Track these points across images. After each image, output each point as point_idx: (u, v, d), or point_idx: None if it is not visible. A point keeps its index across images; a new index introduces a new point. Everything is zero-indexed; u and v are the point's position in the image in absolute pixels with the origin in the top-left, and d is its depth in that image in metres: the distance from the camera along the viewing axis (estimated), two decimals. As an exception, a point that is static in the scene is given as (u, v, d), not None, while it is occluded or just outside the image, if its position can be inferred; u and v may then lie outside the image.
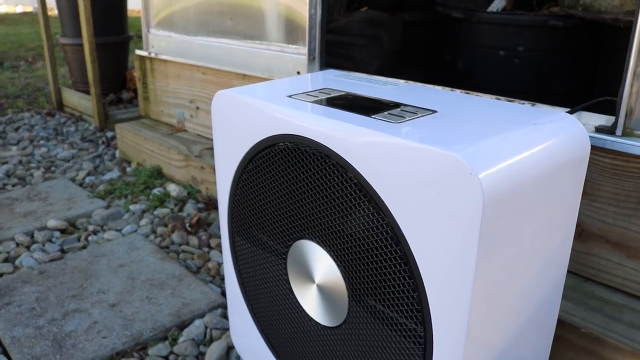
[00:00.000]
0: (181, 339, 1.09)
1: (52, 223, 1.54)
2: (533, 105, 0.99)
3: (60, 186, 1.83)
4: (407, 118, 0.66)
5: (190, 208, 1.63)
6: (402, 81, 1.00)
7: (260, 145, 0.77)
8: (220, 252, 1.41)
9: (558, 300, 0.77)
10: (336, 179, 0.66)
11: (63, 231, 1.54)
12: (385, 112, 0.69)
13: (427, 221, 0.57)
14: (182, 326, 1.12)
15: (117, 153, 2.15)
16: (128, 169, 1.98)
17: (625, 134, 0.90)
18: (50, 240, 1.49)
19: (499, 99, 1.03)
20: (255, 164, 0.79)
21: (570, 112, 0.92)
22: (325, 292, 0.74)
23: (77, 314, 1.15)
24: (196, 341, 1.09)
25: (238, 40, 1.65)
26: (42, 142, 2.33)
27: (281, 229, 0.78)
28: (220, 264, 1.36)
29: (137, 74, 2.16)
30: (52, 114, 2.77)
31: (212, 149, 1.78)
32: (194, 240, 1.47)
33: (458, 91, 1.05)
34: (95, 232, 1.53)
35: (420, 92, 0.82)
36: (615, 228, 0.93)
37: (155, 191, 1.75)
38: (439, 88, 1.07)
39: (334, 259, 0.70)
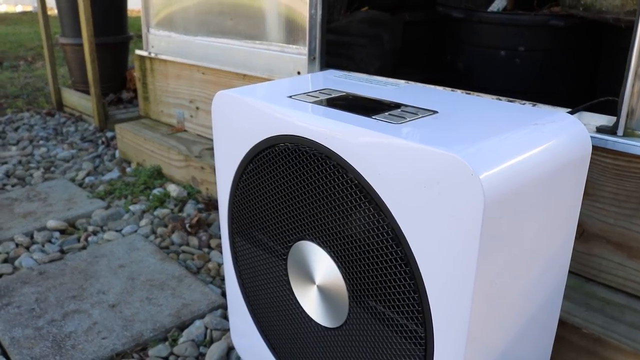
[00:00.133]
0: (181, 340, 1.08)
1: (51, 223, 1.54)
2: (534, 105, 0.99)
3: (59, 186, 1.83)
4: (408, 119, 0.66)
5: (190, 208, 1.63)
6: (402, 81, 1.00)
7: (260, 146, 0.76)
8: (221, 252, 1.41)
9: (559, 301, 0.76)
10: (336, 180, 0.66)
11: (63, 232, 1.54)
12: (386, 113, 0.68)
13: (428, 222, 0.57)
14: (182, 327, 1.12)
15: (117, 153, 2.15)
16: (128, 169, 1.98)
17: (627, 134, 0.89)
18: (49, 241, 1.48)
19: (500, 99, 1.03)
20: (255, 165, 0.79)
21: (572, 113, 0.91)
22: (325, 293, 0.74)
23: (77, 315, 1.15)
24: (196, 342, 1.08)
25: (238, 40, 1.65)
26: (41, 142, 2.33)
27: (281, 229, 0.78)
28: (220, 265, 1.35)
29: (137, 74, 2.16)
30: (52, 114, 2.76)
31: (212, 149, 1.78)
32: (194, 240, 1.47)
33: (459, 91, 1.05)
34: (95, 233, 1.52)
35: (421, 92, 0.81)
36: (617, 228, 0.93)
37: (155, 191, 1.75)
38: (439, 88, 1.07)
39: (335, 260, 0.70)
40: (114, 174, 1.94)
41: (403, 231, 0.60)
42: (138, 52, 2.09)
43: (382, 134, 0.60)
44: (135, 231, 1.53)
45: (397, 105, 0.72)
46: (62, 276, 1.29)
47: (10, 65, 4.04)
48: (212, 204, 1.63)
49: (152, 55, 2.02)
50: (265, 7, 1.53)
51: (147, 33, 2.03)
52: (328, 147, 0.66)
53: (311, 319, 0.78)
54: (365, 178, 0.62)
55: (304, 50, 1.43)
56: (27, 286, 1.25)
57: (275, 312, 0.86)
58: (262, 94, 0.80)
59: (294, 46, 1.46)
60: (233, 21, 1.65)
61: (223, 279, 1.30)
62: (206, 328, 1.11)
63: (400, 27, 1.92)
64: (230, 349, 1.06)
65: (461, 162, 0.53)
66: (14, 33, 5.64)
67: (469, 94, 1.01)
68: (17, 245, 1.46)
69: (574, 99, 1.56)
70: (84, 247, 1.44)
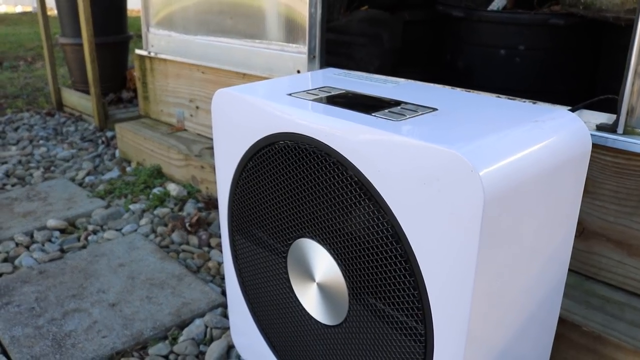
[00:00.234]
0: (181, 339, 1.08)
1: (51, 223, 1.54)
2: (534, 103, 0.98)
3: (59, 186, 1.83)
4: (408, 116, 0.66)
5: (190, 207, 1.63)
6: (402, 79, 1.00)
7: (260, 144, 0.76)
8: (221, 251, 1.41)
9: (559, 299, 0.76)
10: (336, 177, 0.66)
11: (63, 231, 1.54)
12: (386, 110, 0.68)
13: (428, 219, 0.57)
14: (182, 325, 1.12)
15: (117, 153, 2.15)
16: (128, 169, 1.98)
17: (627, 132, 0.89)
18: (49, 240, 1.48)
19: (500, 97, 1.02)
20: (255, 163, 0.79)
21: (572, 110, 0.91)
22: (325, 291, 0.74)
23: (77, 314, 1.15)
24: (196, 340, 1.08)
25: (238, 39, 1.65)
26: (41, 141, 2.33)
27: (281, 227, 0.78)
28: (220, 263, 1.35)
29: (136, 73, 2.16)
30: (52, 114, 2.76)
31: (212, 148, 1.78)
32: (194, 239, 1.47)
33: (458, 89, 1.05)
34: (95, 232, 1.52)
35: (421, 90, 0.81)
36: (617, 226, 0.93)
37: (155, 190, 1.75)
38: (439, 86, 1.07)
39: (334, 258, 0.70)
40: (114, 173, 1.94)
41: (403, 228, 0.60)
42: (138, 51, 2.09)
43: (382, 131, 0.60)
44: (135, 230, 1.53)
45: (397, 103, 0.72)
46: (62, 275, 1.29)
47: (10, 66, 4.04)
48: (212, 203, 1.63)
49: (152, 54, 2.02)
50: (265, 6, 1.53)
51: (146, 32, 2.03)
52: (328, 144, 0.66)
53: (311, 316, 0.78)
54: (365, 175, 0.62)
55: (304, 49, 1.43)
56: (27, 285, 1.25)
57: (275, 310, 0.86)
58: (262, 92, 0.80)
59: (294, 45, 1.46)
60: (233, 20, 1.65)
61: (223, 278, 1.30)
62: (206, 326, 1.11)
63: (400, 26, 1.92)
64: (230, 347, 1.06)
65: (461, 159, 0.53)
66: (13, 33, 5.64)
67: (468, 91, 1.01)
68: (17, 244, 1.46)
69: (574, 98, 1.56)
70: (84, 246, 1.44)
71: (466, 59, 1.76)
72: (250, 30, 1.60)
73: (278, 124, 0.73)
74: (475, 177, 0.52)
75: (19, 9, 8.32)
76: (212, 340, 1.09)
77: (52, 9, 4.33)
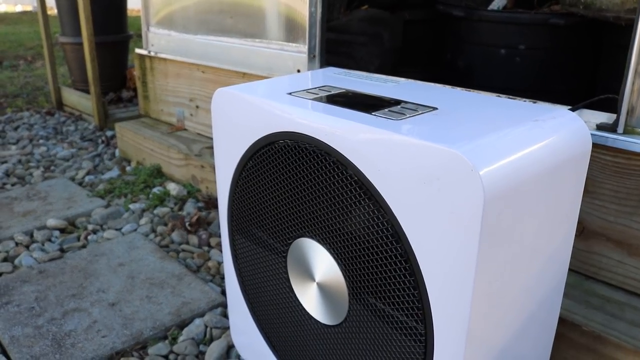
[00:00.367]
0: (181, 338, 1.08)
1: (51, 222, 1.54)
2: (534, 102, 0.98)
3: (59, 185, 1.82)
4: (408, 115, 0.66)
5: (190, 207, 1.63)
6: (402, 79, 1.00)
7: (260, 143, 0.76)
8: (220, 251, 1.41)
9: (559, 298, 0.76)
10: (336, 177, 0.66)
11: (62, 230, 1.54)
12: (386, 109, 0.68)
13: (428, 218, 0.57)
14: (182, 325, 1.12)
15: (117, 152, 2.14)
16: (128, 168, 1.98)
17: (627, 131, 0.89)
18: (49, 240, 1.48)
19: (500, 97, 1.02)
20: (255, 162, 0.78)
21: (572, 110, 0.91)
22: (325, 291, 0.74)
23: (77, 313, 1.14)
24: (196, 340, 1.08)
25: (238, 38, 1.65)
26: (41, 141, 2.32)
27: (281, 227, 0.78)
28: (220, 263, 1.35)
29: (136, 72, 2.15)
30: (52, 113, 2.76)
31: (212, 147, 1.78)
32: (193, 239, 1.47)
33: (458, 89, 1.05)
34: (94, 231, 1.52)
35: (421, 89, 0.81)
36: (617, 226, 0.93)
37: (155, 190, 1.75)
38: (439, 85, 1.07)
39: (334, 257, 0.70)
40: (114, 172, 1.93)
41: (403, 227, 0.60)
42: (138, 50, 2.09)
43: (382, 130, 0.60)
44: (135, 230, 1.53)
45: (397, 102, 0.72)
46: (62, 275, 1.29)
47: (10, 65, 4.04)
48: (212, 203, 1.63)
49: (152, 54, 2.01)
50: (265, 5, 1.53)
51: (147, 32, 2.03)
52: (328, 143, 0.66)
53: (311, 316, 0.78)
54: (365, 174, 0.62)
55: (304, 48, 1.43)
56: (26, 285, 1.25)
57: (275, 310, 0.85)
58: (261, 91, 0.80)
59: (294, 44, 1.46)
60: (233, 19, 1.65)
61: (223, 278, 1.30)
62: (206, 326, 1.11)
63: (400, 26, 1.92)
64: (230, 347, 1.06)
65: (461, 158, 0.53)
66: (13, 32, 5.64)
67: (469, 91, 1.01)
68: (16, 244, 1.46)
69: (574, 98, 1.56)
70: (83, 246, 1.44)
71: (466, 58, 1.76)
72: (250, 30, 1.60)
73: (278, 123, 0.73)
74: (475, 177, 0.52)
75: (19, 8, 8.32)
76: (211, 340, 1.09)
77: (52, 8, 4.33)
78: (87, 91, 2.62)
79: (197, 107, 1.88)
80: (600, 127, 0.92)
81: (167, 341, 1.08)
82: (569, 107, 0.94)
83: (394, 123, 0.62)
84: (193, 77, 1.85)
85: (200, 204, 1.65)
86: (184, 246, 1.43)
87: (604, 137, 0.90)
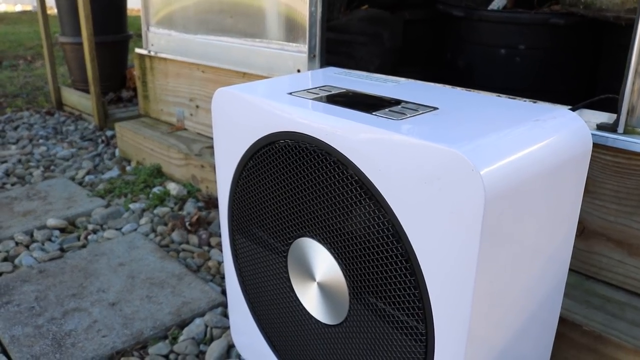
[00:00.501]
0: (181, 338, 1.08)
1: (51, 222, 1.54)
2: (534, 102, 0.98)
3: (59, 185, 1.82)
4: (408, 115, 0.66)
5: (190, 207, 1.62)
6: (403, 79, 1.00)
7: (260, 143, 0.76)
8: (221, 250, 1.41)
9: (560, 298, 0.76)
10: (337, 176, 0.66)
11: (63, 230, 1.54)
12: (386, 109, 0.68)
13: (429, 218, 0.57)
14: (183, 325, 1.12)
15: (117, 152, 2.14)
16: (128, 168, 1.98)
17: (627, 131, 0.89)
18: (49, 239, 1.48)
19: (500, 97, 1.02)
20: (255, 162, 0.78)
21: (572, 110, 0.91)
22: (326, 290, 0.74)
23: (77, 313, 1.14)
24: (196, 340, 1.08)
25: (238, 38, 1.65)
26: (41, 141, 2.32)
27: (282, 226, 0.78)
28: (220, 263, 1.35)
29: (136, 72, 2.15)
30: (52, 113, 2.76)
31: (212, 147, 1.78)
32: (194, 239, 1.47)
33: (459, 89, 1.05)
34: (95, 231, 1.52)
35: (421, 89, 0.81)
36: (617, 226, 0.93)
37: (155, 190, 1.75)
38: (440, 85, 1.07)
39: (335, 257, 0.70)
40: (114, 172, 1.93)
41: (403, 227, 0.60)
42: (138, 50, 2.09)
43: (382, 130, 0.60)
44: (135, 229, 1.53)
45: (398, 102, 0.72)
46: (62, 274, 1.29)
47: (9, 65, 4.03)
48: (212, 203, 1.63)
49: (152, 53, 2.01)
50: (265, 5, 1.53)
51: (146, 31, 2.03)
52: (328, 143, 0.66)
53: (311, 316, 0.78)
54: (366, 174, 0.62)
55: (304, 48, 1.43)
56: (27, 284, 1.25)
57: (275, 310, 0.85)
58: (262, 91, 0.80)
59: (294, 44, 1.46)
60: (233, 19, 1.65)
61: (223, 277, 1.30)
62: (206, 326, 1.11)
63: (400, 26, 1.92)
64: (231, 346, 1.06)
65: (462, 158, 0.53)
66: (13, 32, 5.63)
67: (469, 91, 1.01)
68: (17, 243, 1.45)
69: (574, 98, 1.56)
70: (83, 246, 1.44)
71: (466, 58, 1.76)
72: (251, 30, 1.60)
73: (278, 123, 0.73)
74: (476, 176, 0.52)
75: (18, 7, 8.32)
76: (212, 339, 1.09)
77: (52, 8, 4.32)
78: (87, 91, 2.62)
79: (197, 106, 1.88)
80: (601, 127, 0.92)
81: (167, 341, 1.08)
82: (569, 107, 0.94)
83: (394, 123, 0.62)
84: (193, 76, 1.85)
85: (201, 204, 1.65)
86: (184, 246, 1.43)
87: (605, 137, 0.90)
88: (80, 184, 1.87)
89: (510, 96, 1.04)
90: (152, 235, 1.49)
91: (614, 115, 0.91)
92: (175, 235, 1.47)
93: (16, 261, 1.37)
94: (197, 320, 1.12)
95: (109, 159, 2.10)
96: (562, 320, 0.86)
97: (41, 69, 3.87)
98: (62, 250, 1.43)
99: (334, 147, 0.65)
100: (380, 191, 0.61)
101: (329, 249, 0.70)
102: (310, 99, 0.74)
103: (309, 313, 0.78)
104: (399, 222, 0.60)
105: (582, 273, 0.99)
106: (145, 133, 1.94)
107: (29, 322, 1.11)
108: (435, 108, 0.69)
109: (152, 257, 1.36)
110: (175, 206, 1.65)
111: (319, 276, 0.74)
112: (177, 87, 1.94)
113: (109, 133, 2.40)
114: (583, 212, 0.96)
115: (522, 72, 1.66)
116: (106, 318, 1.13)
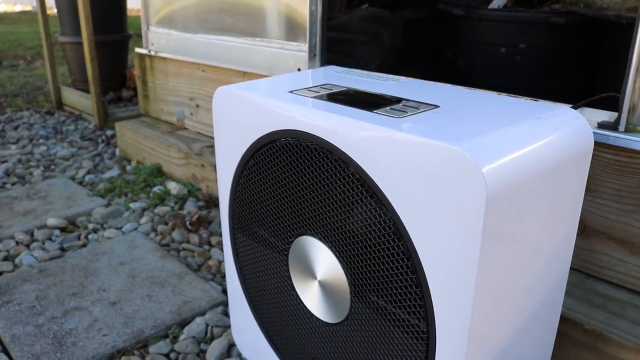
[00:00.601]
0: (182, 337, 1.08)
1: (52, 221, 1.54)
2: (536, 100, 0.98)
3: (60, 185, 1.82)
4: (409, 113, 0.66)
5: (190, 206, 1.62)
6: (403, 77, 1.00)
7: (261, 141, 0.76)
8: (221, 249, 1.41)
9: (561, 297, 0.76)
10: (338, 175, 0.66)
11: (63, 229, 1.53)
12: (387, 107, 0.68)
13: (430, 216, 0.57)
14: (183, 324, 1.12)
15: (117, 151, 2.14)
16: (128, 167, 1.98)
17: (628, 130, 0.89)
18: (50, 239, 1.48)
19: (501, 95, 1.02)
20: (256, 160, 0.78)
21: (573, 108, 0.91)
22: (327, 289, 0.73)
23: (78, 312, 1.14)
24: (197, 339, 1.08)
25: (238, 37, 1.65)
26: (41, 140, 2.32)
27: (282, 225, 0.77)
28: (221, 262, 1.35)
29: (136, 72, 2.15)
30: (52, 113, 2.76)
31: (212, 146, 1.78)
32: (194, 238, 1.47)
33: (460, 87, 1.04)
34: (95, 231, 1.52)
35: (422, 87, 0.81)
36: (618, 224, 0.93)
37: (155, 189, 1.75)
38: (440, 84, 1.07)
39: (336, 255, 0.70)
40: (114, 172, 1.93)
41: (405, 225, 0.60)
42: (138, 50, 2.09)
43: (383, 127, 0.60)
44: (136, 229, 1.53)
45: (399, 100, 0.72)
46: (63, 274, 1.29)
47: (9, 65, 4.03)
48: (212, 202, 1.63)
49: (152, 53, 2.01)
50: (265, 4, 1.53)
51: (146, 31, 2.03)
52: (329, 141, 0.66)
53: (312, 314, 0.78)
54: (367, 172, 0.62)
55: (305, 47, 1.43)
56: (27, 284, 1.25)
57: (276, 309, 0.85)
58: (263, 89, 0.80)
59: (294, 43, 1.46)
60: (233, 18, 1.65)
61: (224, 276, 1.30)
62: (207, 325, 1.11)
63: (400, 25, 1.92)
64: (231, 345, 1.06)
65: (463, 155, 0.53)
66: (13, 32, 5.63)
67: (470, 89, 1.01)
68: (17, 243, 1.45)
69: (574, 97, 1.56)
70: (84, 245, 1.44)
71: (467, 57, 1.76)
72: (251, 29, 1.60)
73: (279, 122, 0.73)
74: (477, 174, 0.52)
75: (18, 7, 8.32)
76: (212, 338, 1.09)
77: (52, 8, 4.32)
78: (87, 90, 2.62)
79: (197, 106, 1.88)
80: (602, 125, 0.92)
81: (168, 340, 1.08)
82: (571, 105, 0.94)
83: (395, 121, 0.62)
84: (193, 76, 1.85)
85: (201, 203, 1.64)
86: (184, 245, 1.43)
87: (606, 135, 0.90)
88: (80, 183, 1.87)
89: (511, 95, 1.04)
90: (152, 235, 1.49)
91: (615, 114, 0.91)
92: (176, 235, 1.47)
93: (17, 260, 1.37)
94: (198, 319, 1.12)
95: (109, 159, 2.10)
96: (563, 319, 0.86)
97: (41, 69, 3.87)
98: (62, 249, 1.43)
99: (335, 145, 0.65)
100: (382, 189, 0.61)
101: (330, 247, 0.70)
102: (311, 97, 0.74)
103: (310, 311, 0.78)
104: (400, 220, 0.60)
105: (583, 272, 0.99)
106: (146, 132, 1.94)
107: (29, 321, 1.11)
108: (437, 106, 0.69)
109: (152, 256, 1.36)
110: (176, 205, 1.65)
111: (320, 274, 0.74)
112: (177, 86, 1.94)
113: (109, 132, 2.40)
114: (584, 210, 0.96)
115: (523, 71, 1.66)
116: (107, 317, 1.13)
